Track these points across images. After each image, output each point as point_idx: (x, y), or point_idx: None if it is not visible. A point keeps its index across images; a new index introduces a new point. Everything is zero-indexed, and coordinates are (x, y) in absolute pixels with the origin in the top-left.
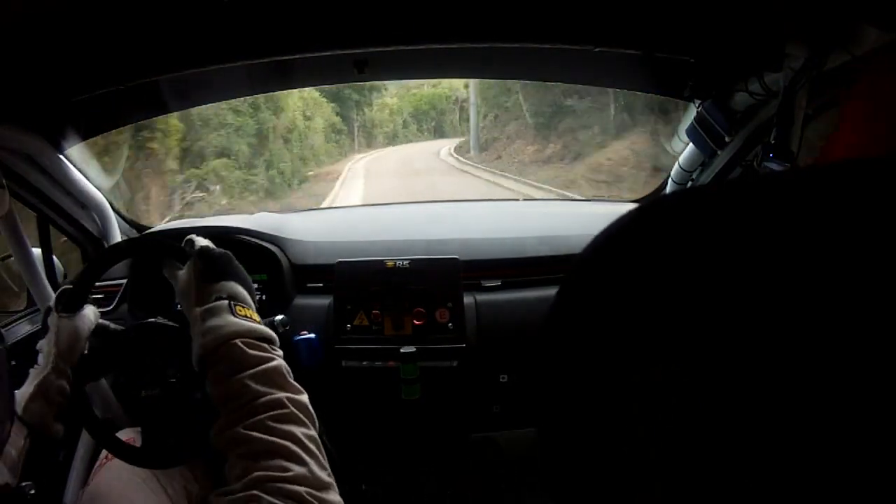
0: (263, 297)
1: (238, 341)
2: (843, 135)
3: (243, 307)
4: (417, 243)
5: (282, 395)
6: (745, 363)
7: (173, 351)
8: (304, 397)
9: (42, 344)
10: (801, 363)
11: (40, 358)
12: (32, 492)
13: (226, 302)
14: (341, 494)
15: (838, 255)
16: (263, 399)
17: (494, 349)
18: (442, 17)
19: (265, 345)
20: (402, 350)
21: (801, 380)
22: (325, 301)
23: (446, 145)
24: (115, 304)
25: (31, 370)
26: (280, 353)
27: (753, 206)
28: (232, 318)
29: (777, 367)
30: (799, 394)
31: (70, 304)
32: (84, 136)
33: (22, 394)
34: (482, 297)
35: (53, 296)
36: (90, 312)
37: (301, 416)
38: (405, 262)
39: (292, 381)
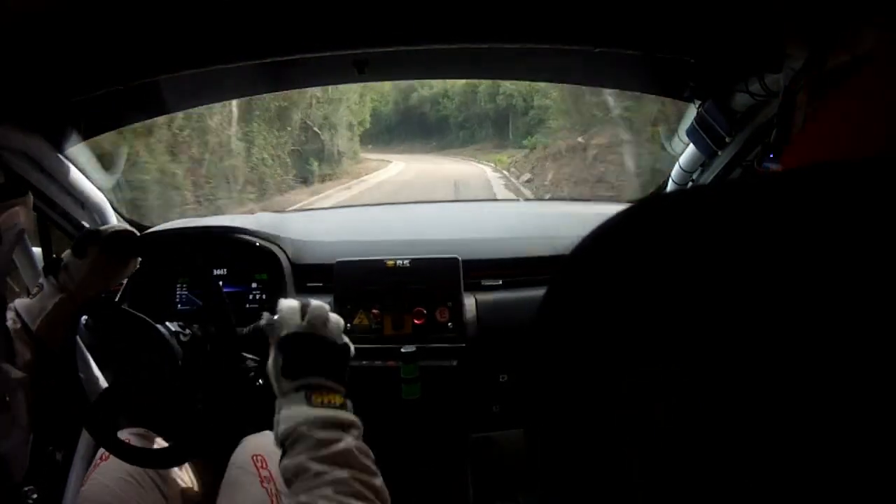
0: (263, 297)
1: (305, 427)
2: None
3: (321, 394)
4: (417, 243)
5: (346, 473)
6: (737, 366)
7: (173, 351)
8: (377, 480)
9: (67, 259)
10: (794, 367)
11: (60, 276)
12: (35, 496)
13: (302, 393)
14: None
15: (829, 255)
16: (327, 476)
17: (494, 349)
18: (442, 17)
19: (336, 430)
20: (402, 350)
21: (793, 384)
22: (325, 301)
23: None
24: None
25: (46, 283)
26: (355, 434)
27: (745, 206)
28: (305, 409)
29: (769, 370)
30: (789, 398)
31: (122, 248)
32: (84, 136)
33: (33, 307)
34: (482, 296)
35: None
36: (132, 266)
37: (368, 493)
38: (405, 262)
39: (368, 463)
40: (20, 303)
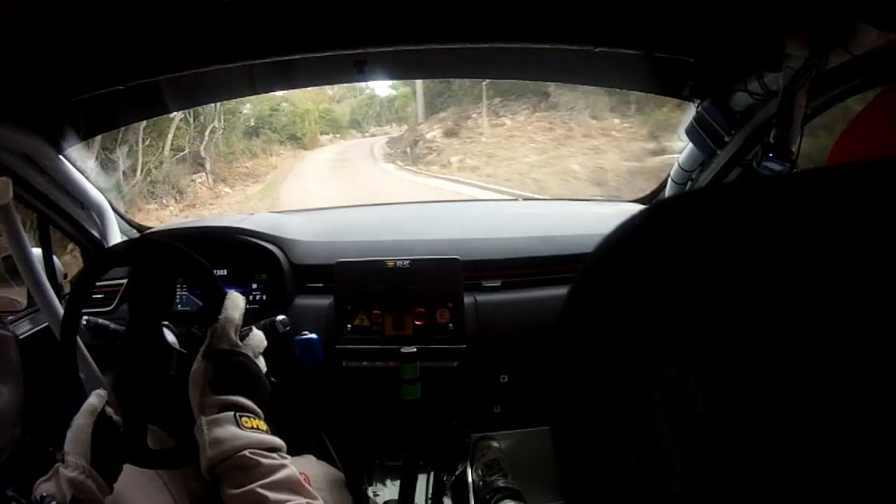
0: (264, 298)
1: (247, 452)
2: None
3: (250, 418)
4: (418, 243)
5: (301, 500)
6: (759, 363)
7: (173, 351)
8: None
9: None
10: (812, 362)
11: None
12: (54, 503)
13: (231, 414)
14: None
15: (844, 257)
16: None
17: (494, 349)
18: (442, 17)
19: (274, 454)
20: (402, 350)
21: (811, 378)
22: (325, 301)
23: None
24: (115, 304)
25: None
26: (288, 458)
27: (764, 209)
28: (238, 431)
29: (789, 365)
30: (810, 391)
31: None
32: (84, 136)
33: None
34: (482, 297)
35: (52, 295)
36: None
37: None
38: (405, 263)
39: (308, 487)
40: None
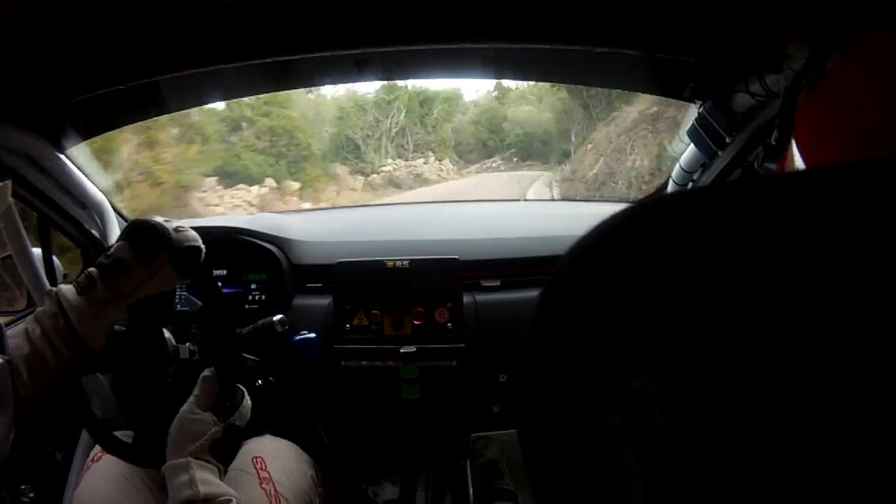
0: (263, 298)
1: (234, 501)
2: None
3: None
4: (417, 243)
5: None
6: (742, 365)
7: (172, 351)
8: None
9: (129, 261)
10: (798, 364)
11: (120, 280)
12: (31, 495)
13: (216, 468)
14: (341, 494)
15: (831, 256)
16: None
17: (494, 349)
18: (441, 18)
19: None
20: (401, 350)
21: (796, 382)
22: (324, 301)
23: None
24: None
25: (101, 285)
26: None
27: (746, 207)
28: (224, 485)
29: (773, 369)
30: (794, 397)
31: (189, 261)
32: (84, 136)
33: (84, 310)
34: (481, 297)
35: None
36: (186, 279)
37: None
38: (405, 263)
39: None
40: (68, 298)
